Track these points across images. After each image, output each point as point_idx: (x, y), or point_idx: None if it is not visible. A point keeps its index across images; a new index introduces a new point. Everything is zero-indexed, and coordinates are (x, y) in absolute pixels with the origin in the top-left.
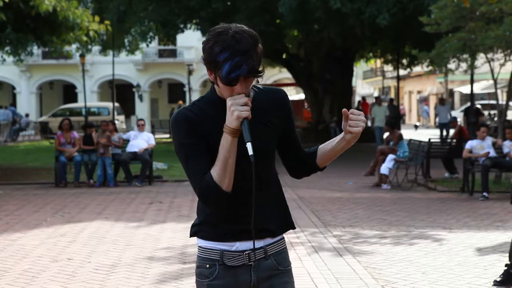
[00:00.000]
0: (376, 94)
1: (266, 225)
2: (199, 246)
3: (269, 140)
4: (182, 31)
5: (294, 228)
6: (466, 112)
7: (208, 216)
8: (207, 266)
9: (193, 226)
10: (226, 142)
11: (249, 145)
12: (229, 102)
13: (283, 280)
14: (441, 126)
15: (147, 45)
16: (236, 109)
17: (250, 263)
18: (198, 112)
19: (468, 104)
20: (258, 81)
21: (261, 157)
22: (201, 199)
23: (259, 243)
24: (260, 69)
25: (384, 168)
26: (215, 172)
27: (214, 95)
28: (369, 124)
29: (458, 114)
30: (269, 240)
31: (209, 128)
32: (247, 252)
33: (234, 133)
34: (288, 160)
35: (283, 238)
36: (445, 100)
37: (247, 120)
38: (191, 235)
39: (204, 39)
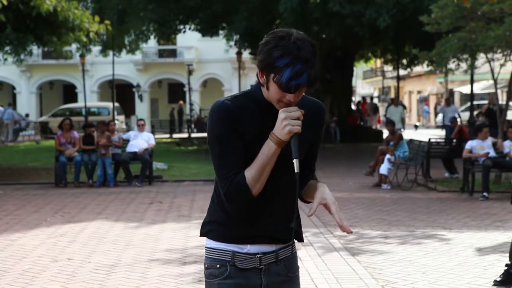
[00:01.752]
0: (376, 94)
1: (279, 233)
2: (207, 247)
3: (302, 148)
4: (180, 32)
5: (302, 241)
6: (488, 113)
7: (221, 216)
8: (218, 266)
9: (204, 224)
10: (269, 150)
11: (296, 162)
12: (282, 114)
13: (292, 286)
14: (446, 127)
15: (146, 42)
16: (290, 123)
17: (261, 266)
18: (241, 106)
19: (484, 102)
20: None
21: (287, 167)
22: (227, 196)
23: (270, 247)
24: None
25: (383, 169)
26: (250, 174)
27: (259, 94)
28: (368, 123)
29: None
30: (280, 245)
31: (248, 125)
32: (258, 255)
33: (281, 144)
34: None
35: (294, 242)
36: (450, 100)
37: (297, 135)
38: (202, 235)
39: (200, 38)
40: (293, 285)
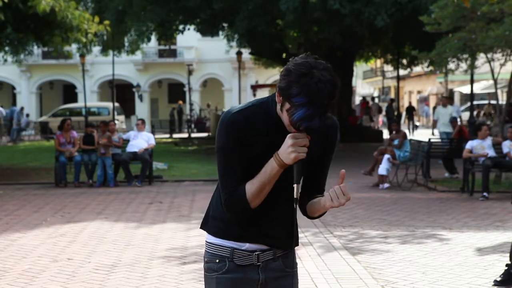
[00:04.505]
0: (376, 94)
1: (278, 240)
2: (208, 242)
3: (303, 164)
4: (180, 32)
5: (297, 245)
6: None
7: (223, 214)
8: (217, 261)
9: (205, 217)
10: (271, 170)
11: (296, 187)
12: (290, 140)
13: (290, 282)
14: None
15: (146, 43)
16: (296, 150)
17: (259, 263)
18: (250, 118)
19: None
20: (257, 82)
21: (291, 180)
22: (226, 205)
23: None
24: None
25: (382, 169)
26: (250, 190)
27: (273, 108)
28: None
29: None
30: (279, 250)
31: (256, 137)
32: (256, 253)
33: (284, 166)
34: (304, 186)
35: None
36: (453, 100)
37: (301, 161)
38: (202, 227)
39: (200, 38)
40: (290, 280)
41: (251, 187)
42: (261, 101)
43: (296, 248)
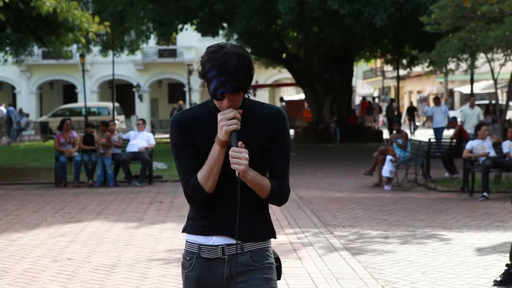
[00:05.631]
0: (376, 94)
1: (246, 230)
2: (186, 240)
3: (253, 152)
4: (180, 31)
5: (275, 237)
6: None
7: (193, 211)
8: (188, 258)
9: (186, 221)
10: (214, 152)
11: None
12: (219, 117)
13: (258, 276)
14: (435, 130)
15: (146, 42)
16: (225, 124)
17: (224, 256)
18: (192, 116)
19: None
20: (257, 82)
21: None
22: (186, 194)
23: (234, 240)
24: (247, 85)
25: (385, 171)
26: (200, 174)
27: (212, 102)
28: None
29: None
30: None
31: (198, 131)
32: (221, 246)
33: (223, 144)
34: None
35: (266, 238)
36: (440, 100)
37: (236, 132)
38: (182, 230)
39: (200, 38)
40: (259, 274)
41: (201, 172)
42: (206, 101)
43: (296, 248)
